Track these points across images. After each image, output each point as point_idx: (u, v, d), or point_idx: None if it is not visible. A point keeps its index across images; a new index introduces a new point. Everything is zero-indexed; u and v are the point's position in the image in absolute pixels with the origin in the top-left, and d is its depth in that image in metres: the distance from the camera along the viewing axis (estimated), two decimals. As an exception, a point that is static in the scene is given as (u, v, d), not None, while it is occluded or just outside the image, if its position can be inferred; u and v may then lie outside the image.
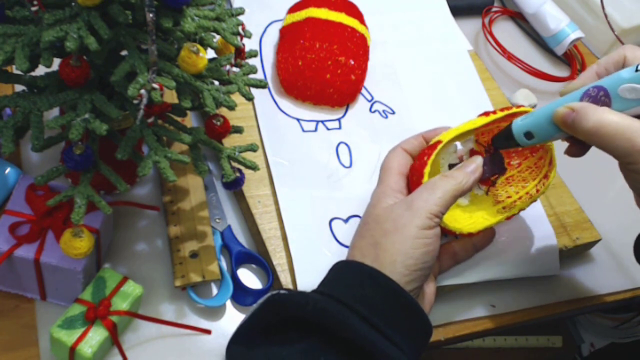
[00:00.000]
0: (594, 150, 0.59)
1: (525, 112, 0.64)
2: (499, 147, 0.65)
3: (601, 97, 0.57)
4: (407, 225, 0.56)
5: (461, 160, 0.66)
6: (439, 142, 0.63)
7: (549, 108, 0.59)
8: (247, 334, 0.54)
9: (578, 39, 0.93)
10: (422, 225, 0.56)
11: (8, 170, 0.65)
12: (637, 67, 0.55)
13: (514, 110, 0.64)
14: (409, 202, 0.58)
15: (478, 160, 0.63)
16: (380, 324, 0.52)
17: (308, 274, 0.63)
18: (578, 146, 0.62)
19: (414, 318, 0.55)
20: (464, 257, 0.66)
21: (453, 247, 0.65)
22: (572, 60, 0.96)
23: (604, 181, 0.82)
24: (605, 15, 0.93)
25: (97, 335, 0.56)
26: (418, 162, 0.63)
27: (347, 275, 0.57)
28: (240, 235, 0.69)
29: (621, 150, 0.53)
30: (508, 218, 0.66)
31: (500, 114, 0.64)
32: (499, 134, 0.65)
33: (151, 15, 0.49)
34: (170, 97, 0.61)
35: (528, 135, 0.61)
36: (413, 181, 0.63)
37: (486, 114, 0.65)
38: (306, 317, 0.52)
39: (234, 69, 0.59)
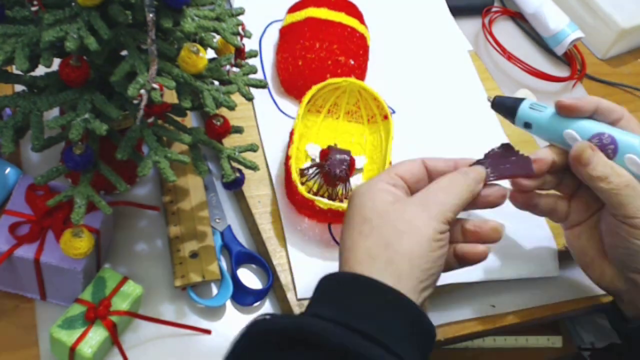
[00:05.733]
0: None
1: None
2: (497, 108, 0.64)
3: (609, 149, 0.58)
4: (424, 228, 0.53)
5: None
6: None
7: (558, 119, 0.60)
8: None
9: (578, 39, 0.93)
10: (440, 229, 0.53)
11: (8, 170, 0.65)
12: None
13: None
14: (424, 203, 0.54)
15: (479, 170, 0.59)
16: (386, 341, 0.48)
17: (306, 276, 0.63)
18: (526, 195, 0.63)
19: (423, 332, 0.51)
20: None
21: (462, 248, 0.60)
22: (572, 60, 0.96)
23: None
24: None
25: (97, 335, 0.56)
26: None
27: (344, 291, 0.51)
28: (240, 235, 0.69)
29: (625, 201, 0.55)
30: None
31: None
32: (505, 98, 0.64)
33: (151, 15, 0.49)
34: (170, 97, 0.60)
35: (527, 124, 0.62)
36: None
37: None
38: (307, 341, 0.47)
39: (234, 69, 0.59)
